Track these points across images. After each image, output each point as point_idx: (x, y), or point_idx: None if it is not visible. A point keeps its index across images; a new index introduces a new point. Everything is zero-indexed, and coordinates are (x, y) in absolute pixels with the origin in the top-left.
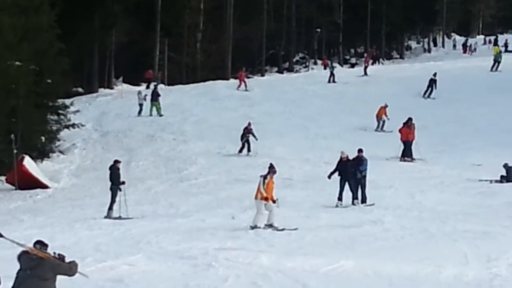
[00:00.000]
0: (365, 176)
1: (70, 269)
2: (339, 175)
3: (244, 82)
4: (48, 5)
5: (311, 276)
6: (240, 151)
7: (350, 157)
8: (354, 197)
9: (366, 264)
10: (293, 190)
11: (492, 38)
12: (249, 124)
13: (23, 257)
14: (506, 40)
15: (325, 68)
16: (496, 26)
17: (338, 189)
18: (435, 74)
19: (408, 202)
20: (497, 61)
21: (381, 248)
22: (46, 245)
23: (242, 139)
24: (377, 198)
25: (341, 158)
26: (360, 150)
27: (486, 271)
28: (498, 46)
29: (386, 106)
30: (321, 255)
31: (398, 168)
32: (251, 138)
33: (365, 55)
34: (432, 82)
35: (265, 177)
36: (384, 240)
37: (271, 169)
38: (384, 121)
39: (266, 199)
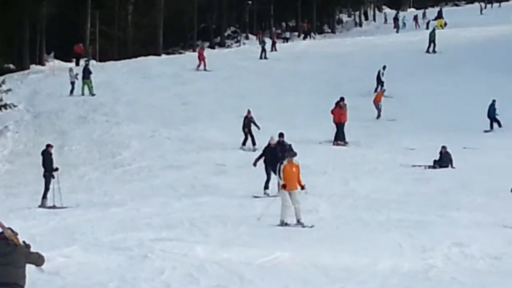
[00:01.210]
0: None
1: (39, 258)
2: (264, 161)
3: (204, 61)
4: None
5: (247, 268)
6: (244, 143)
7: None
8: None
9: (302, 255)
10: (226, 176)
11: (435, 10)
12: (249, 112)
13: None
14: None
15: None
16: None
17: (266, 177)
18: (384, 67)
19: (342, 189)
20: (432, 41)
21: (317, 238)
22: (16, 233)
23: (244, 130)
24: (311, 185)
25: (269, 144)
26: (281, 135)
27: (422, 262)
28: (442, 18)
29: (383, 91)
30: (257, 245)
31: (331, 153)
32: (253, 127)
33: (274, 29)
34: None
35: (281, 162)
36: (319, 230)
37: (288, 153)
38: (381, 107)
39: (283, 186)
